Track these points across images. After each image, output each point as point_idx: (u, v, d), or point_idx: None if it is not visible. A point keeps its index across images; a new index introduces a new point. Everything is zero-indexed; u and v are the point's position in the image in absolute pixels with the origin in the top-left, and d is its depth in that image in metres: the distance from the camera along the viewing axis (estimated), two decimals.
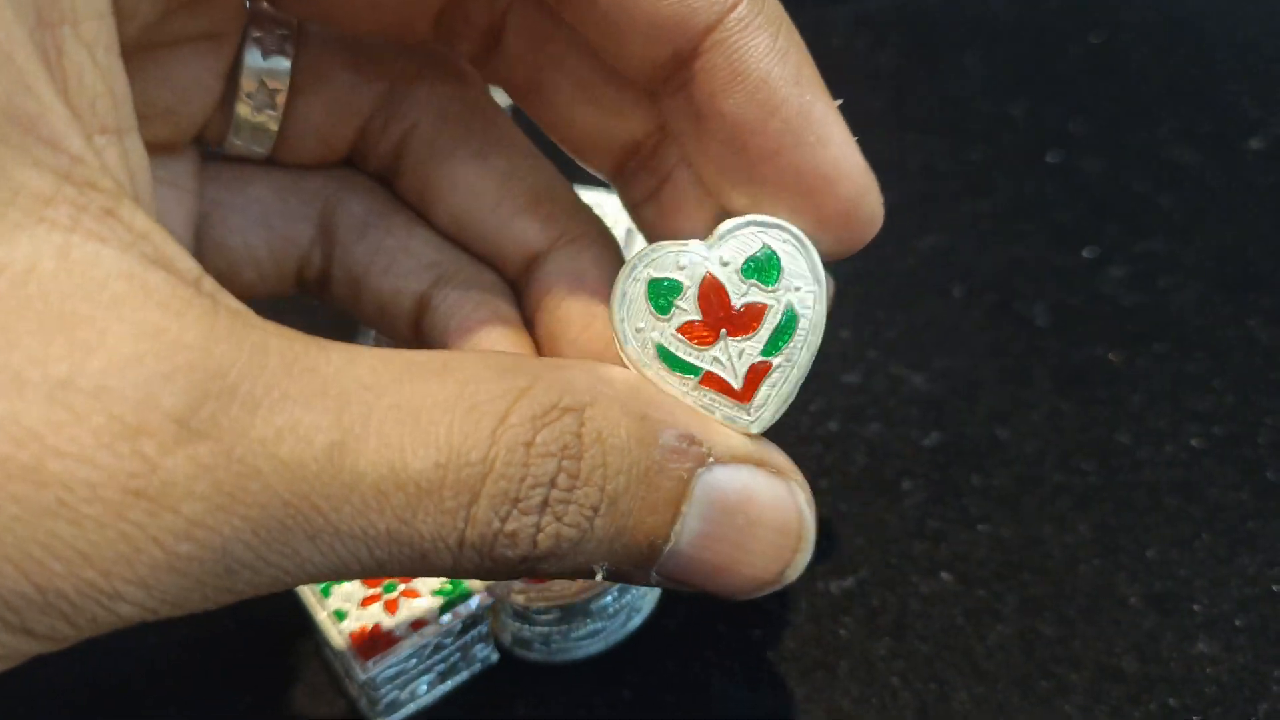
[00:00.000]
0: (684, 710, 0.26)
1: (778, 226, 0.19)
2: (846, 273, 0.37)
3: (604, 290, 0.22)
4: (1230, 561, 0.28)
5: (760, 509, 0.19)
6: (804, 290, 0.19)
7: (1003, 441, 0.32)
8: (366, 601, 0.25)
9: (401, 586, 0.26)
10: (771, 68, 0.19)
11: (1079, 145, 0.42)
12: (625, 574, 0.19)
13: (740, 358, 0.19)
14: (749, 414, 0.19)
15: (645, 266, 0.19)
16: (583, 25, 0.20)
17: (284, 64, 0.23)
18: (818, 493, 0.30)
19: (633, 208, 0.23)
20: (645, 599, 0.27)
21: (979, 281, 0.37)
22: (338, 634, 0.25)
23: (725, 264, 0.19)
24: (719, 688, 0.26)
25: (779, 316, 0.19)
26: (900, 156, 0.42)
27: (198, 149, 0.23)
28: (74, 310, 0.15)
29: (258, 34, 0.22)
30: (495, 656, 0.26)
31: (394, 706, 0.25)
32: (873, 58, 0.48)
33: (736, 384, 0.19)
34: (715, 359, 0.19)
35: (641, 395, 0.19)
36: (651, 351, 0.19)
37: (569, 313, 0.23)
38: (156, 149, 0.22)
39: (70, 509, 0.14)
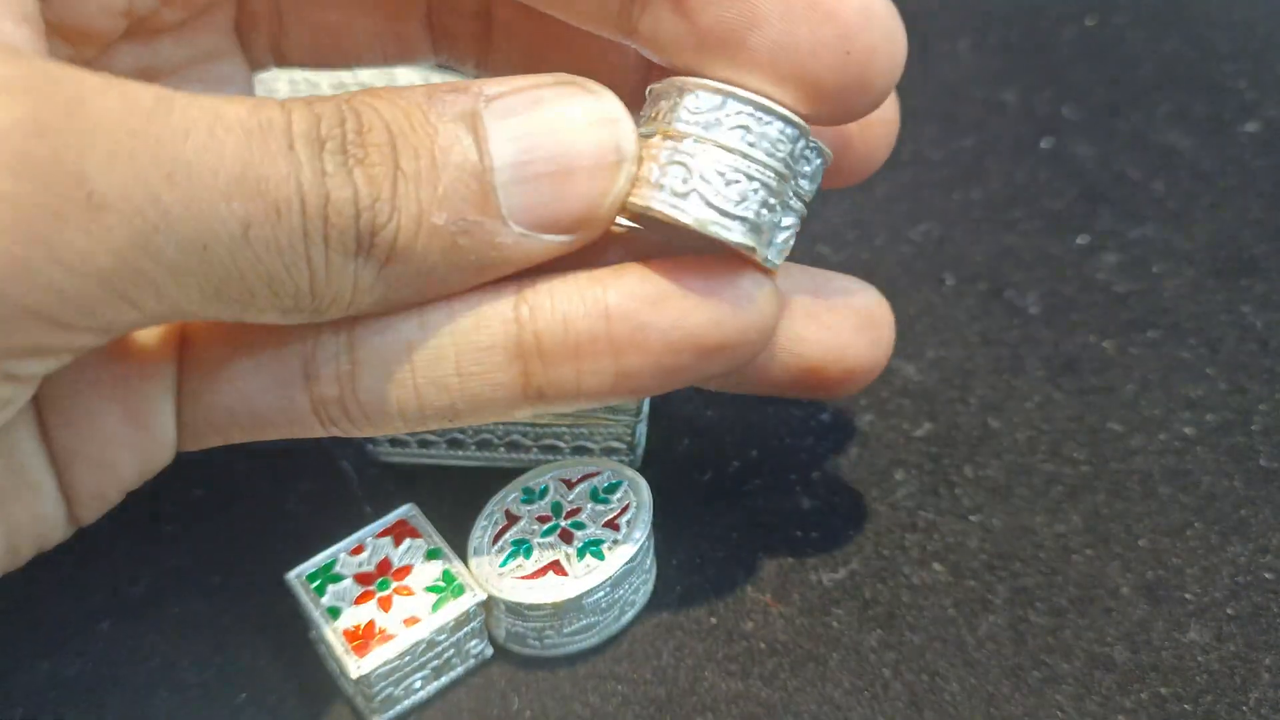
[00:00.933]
0: (677, 703, 0.26)
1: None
2: (838, 264, 0.37)
3: None
4: (1222, 550, 0.28)
5: (561, 104, 0.20)
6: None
7: (995, 431, 0.32)
8: (360, 599, 0.26)
9: (395, 584, 0.26)
10: None
11: (1072, 131, 0.42)
12: (480, 232, 0.20)
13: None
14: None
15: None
16: None
17: None
18: (810, 484, 0.31)
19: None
20: (639, 593, 0.27)
21: (971, 270, 0.37)
22: (331, 631, 0.25)
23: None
24: (711, 680, 0.26)
25: None
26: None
27: None
28: None
29: None
30: (489, 652, 0.27)
31: (389, 703, 0.25)
32: None
33: None
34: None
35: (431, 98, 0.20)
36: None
37: None
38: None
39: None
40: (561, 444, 0.29)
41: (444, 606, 0.25)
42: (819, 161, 0.22)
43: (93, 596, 0.29)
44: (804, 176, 0.22)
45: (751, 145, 0.21)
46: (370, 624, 0.25)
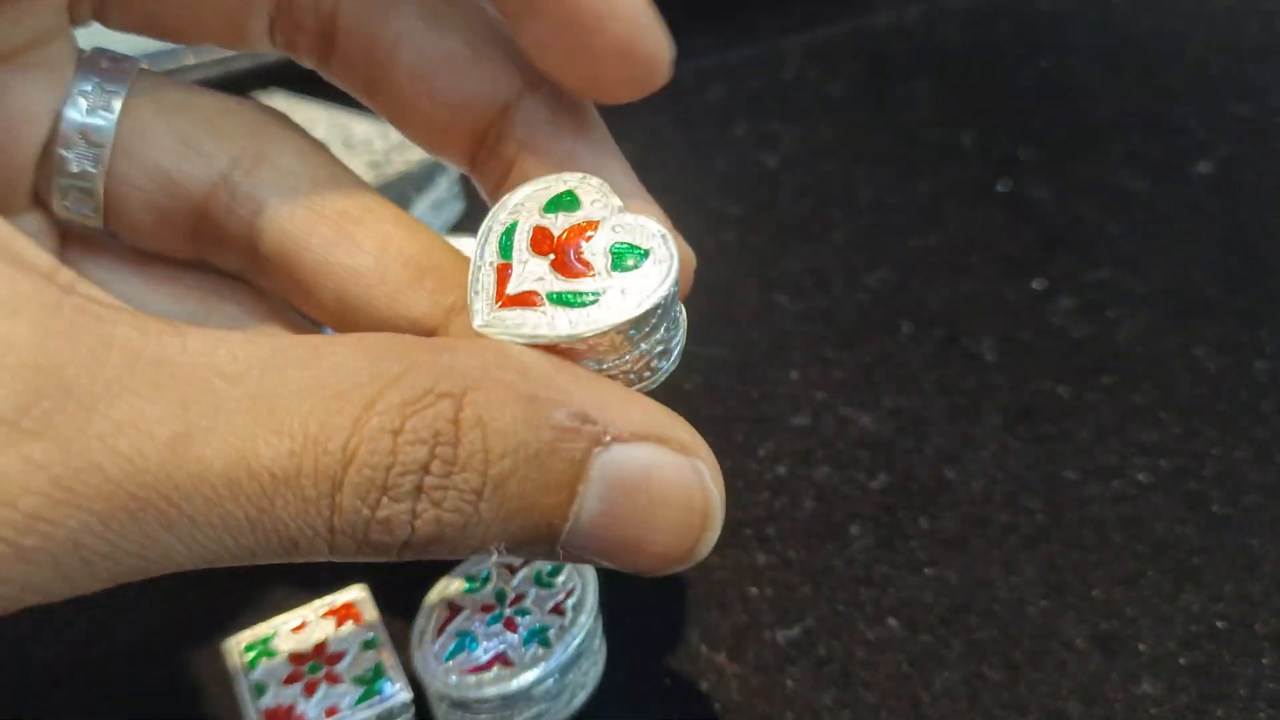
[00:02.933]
0: None
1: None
2: (796, 313, 0.38)
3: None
4: (1175, 599, 0.29)
5: (662, 487, 0.19)
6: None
7: (950, 482, 0.32)
8: (289, 679, 0.25)
9: (325, 669, 0.25)
10: None
11: (1029, 173, 0.42)
12: (526, 552, 0.19)
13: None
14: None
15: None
16: None
17: (110, 116, 0.22)
18: (766, 540, 0.31)
19: (489, 198, 0.23)
20: (589, 676, 0.27)
21: (927, 317, 0.37)
22: (254, 710, 0.25)
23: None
24: None
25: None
26: (851, 190, 0.42)
27: (46, 219, 0.23)
28: None
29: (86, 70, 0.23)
30: None
31: None
32: (824, 88, 0.48)
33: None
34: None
35: (535, 375, 0.18)
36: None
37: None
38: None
39: None
40: None
41: (368, 700, 0.24)
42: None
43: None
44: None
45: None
46: (290, 708, 0.24)
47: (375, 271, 0.23)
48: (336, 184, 0.24)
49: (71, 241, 0.24)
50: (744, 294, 0.38)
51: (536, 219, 0.20)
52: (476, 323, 0.19)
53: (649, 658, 0.28)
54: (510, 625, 0.25)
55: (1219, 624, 0.28)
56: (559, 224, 0.20)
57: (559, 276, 0.19)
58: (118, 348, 0.16)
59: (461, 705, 0.25)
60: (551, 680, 0.25)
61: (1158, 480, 0.31)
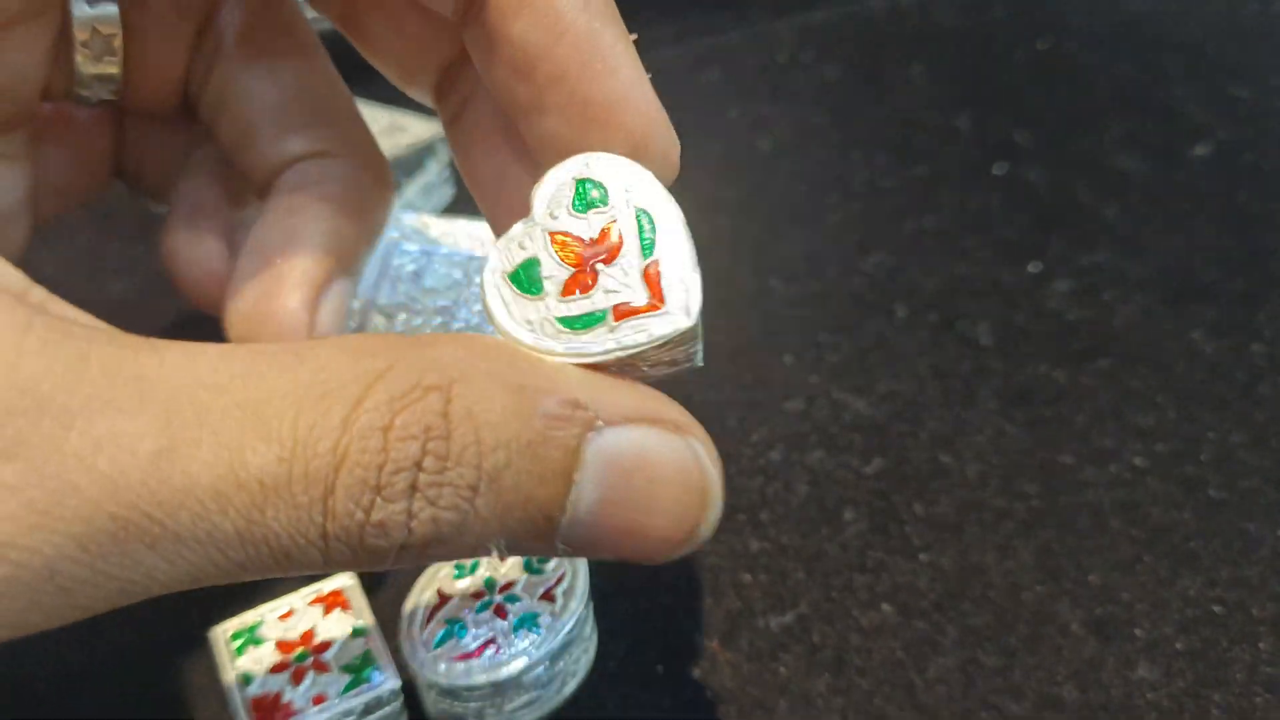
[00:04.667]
0: None
1: (573, 162, 0.19)
2: (789, 297, 0.37)
3: (338, 198, 0.24)
4: (1172, 584, 0.28)
5: (659, 468, 0.18)
6: (636, 184, 0.19)
7: (945, 466, 0.31)
8: (276, 668, 0.25)
9: (312, 658, 0.25)
10: None
11: (1025, 156, 0.42)
12: (526, 548, 0.18)
13: (628, 274, 0.18)
14: (674, 311, 0.18)
15: (494, 272, 0.19)
16: None
17: (112, 8, 0.23)
18: (759, 525, 0.30)
19: (447, 128, 0.24)
20: (579, 663, 0.26)
21: (923, 301, 0.37)
22: (241, 698, 0.24)
23: (554, 216, 0.19)
24: None
25: (632, 219, 0.19)
26: (846, 174, 0.42)
27: (25, 133, 0.24)
28: None
29: None
30: None
31: None
32: (818, 71, 0.48)
33: (643, 297, 0.18)
34: (609, 291, 0.18)
35: (519, 365, 0.18)
36: (555, 329, 0.18)
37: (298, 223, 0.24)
38: None
39: None
40: None
41: (356, 689, 0.24)
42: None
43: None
44: None
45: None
46: (278, 696, 0.24)
47: (278, 104, 0.25)
48: (282, 26, 0.25)
49: None
50: (738, 279, 0.37)
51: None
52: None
53: (641, 645, 0.28)
54: (500, 612, 0.25)
55: (1215, 609, 0.28)
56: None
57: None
58: (94, 364, 0.15)
59: (450, 693, 0.25)
60: (542, 668, 0.25)
61: (1154, 464, 0.31)
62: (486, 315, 0.19)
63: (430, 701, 0.25)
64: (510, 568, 0.26)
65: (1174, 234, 0.38)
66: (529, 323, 0.18)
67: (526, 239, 0.19)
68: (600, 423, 0.18)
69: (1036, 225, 0.39)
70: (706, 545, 0.30)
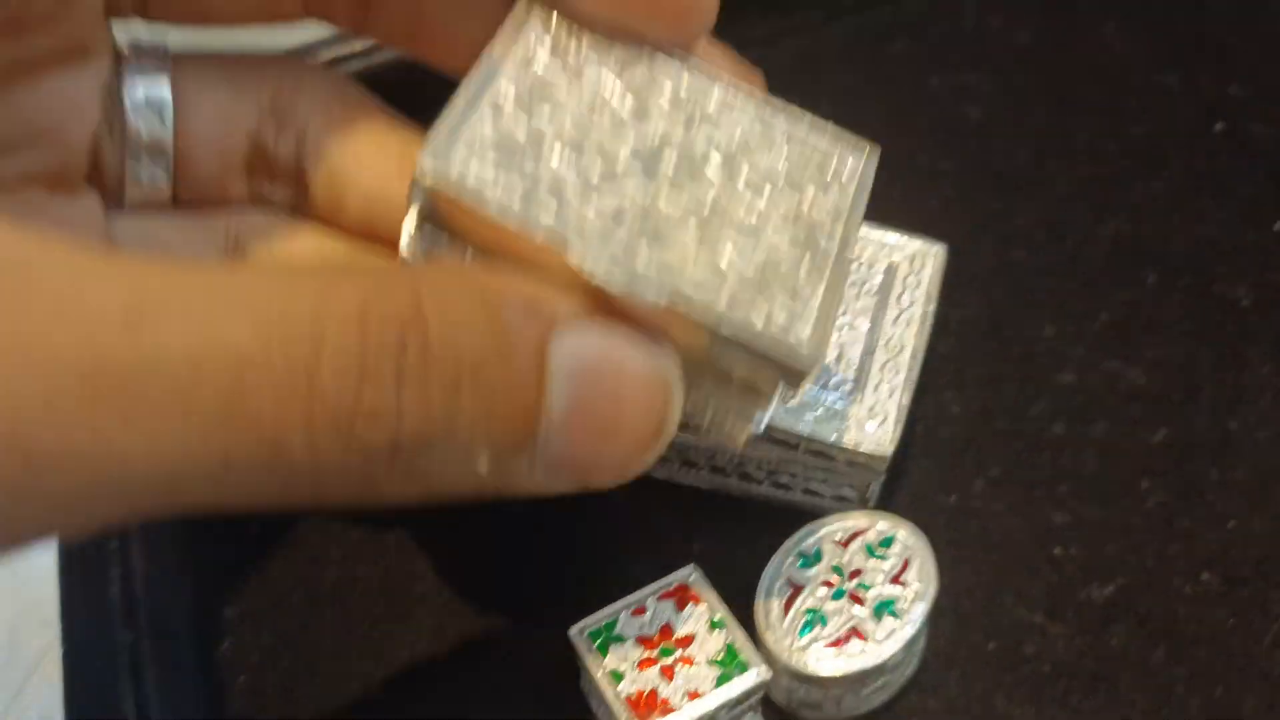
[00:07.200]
0: None
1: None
2: (1036, 267, 0.37)
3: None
4: None
5: (622, 363, 0.19)
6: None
7: (1234, 433, 0.31)
8: (643, 664, 0.25)
9: (679, 652, 0.25)
10: None
11: (1244, 111, 0.41)
12: (506, 468, 0.18)
13: None
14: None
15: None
16: None
17: (164, 84, 0.24)
18: (1059, 498, 0.31)
19: (355, 29, 0.25)
20: (917, 645, 0.27)
21: (1172, 265, 0.36)
22: (614, 695, 0.25)
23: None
24: (1003, 708, 0.27)
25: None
26: (1063, 138, 0.41)
27: (97, 194, 0.24)
28: None
29: (132, 59, 0.24)
30: None
31: None
32: (1009, 36, 0.47)
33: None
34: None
35: (471, 273, 0.19)
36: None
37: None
38: (51, 185, 0.23)
39: None
40: (793, 483, 0.29)
41: (729, 682, 0.25)
42: None
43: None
44: None
45: None
46: (653, 693, 0.25)
47: (399, 168, 0.24)
48: (362, 102, 0.26)
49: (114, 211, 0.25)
50: (981, 250, 0.37)
51: None
52: None
53: (967, 622, 0.28)
54: (857, 599, 0.26)
55: None
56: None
57: None
58: (63, 241, 0.15)
59: (814, 681, 0.25)
60: (905, 651, 0.25)
61: None
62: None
63: (783, 689, 0.26)
64: (852, 555, 0.27)
65: None
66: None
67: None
68: (559, 326, 0.18)
69: (1271, 182, 0.39)
70: (1010, 521, 0.30)
